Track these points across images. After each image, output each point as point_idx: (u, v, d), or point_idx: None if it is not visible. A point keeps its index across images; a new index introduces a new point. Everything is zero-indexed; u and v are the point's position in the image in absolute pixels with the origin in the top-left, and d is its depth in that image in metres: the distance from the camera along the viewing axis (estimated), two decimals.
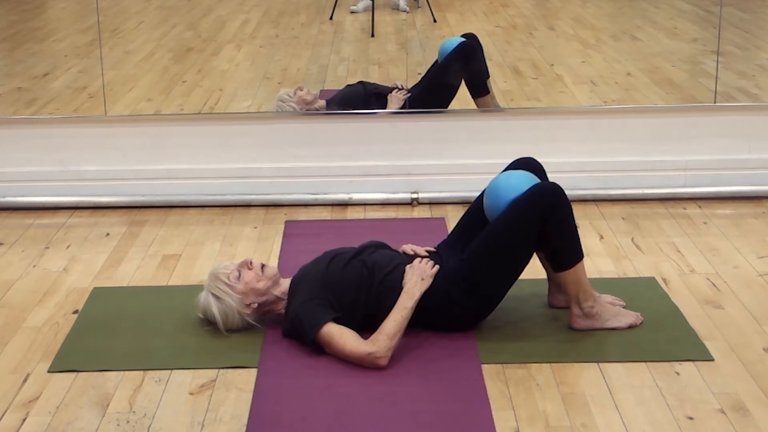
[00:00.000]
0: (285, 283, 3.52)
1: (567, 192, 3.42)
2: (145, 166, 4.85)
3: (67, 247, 4.37)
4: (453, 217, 4.40)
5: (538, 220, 3.34)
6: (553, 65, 6.00)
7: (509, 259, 3.40)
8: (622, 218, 4.61)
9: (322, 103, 5.18)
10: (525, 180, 3.46)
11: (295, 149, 4.87)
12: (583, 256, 3.45)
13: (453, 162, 4.86)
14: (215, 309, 3.45)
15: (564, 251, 3.42)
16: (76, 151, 4.86)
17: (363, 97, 5.19)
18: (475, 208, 3.63)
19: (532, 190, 3.40)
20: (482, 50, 5.32)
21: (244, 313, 3.46)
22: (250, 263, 3.49)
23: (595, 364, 3.29)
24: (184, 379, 3.24)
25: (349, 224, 4.61)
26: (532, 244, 3.39)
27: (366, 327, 3.35)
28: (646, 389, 3.14)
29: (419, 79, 5.32)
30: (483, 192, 3.59)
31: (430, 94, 5.14)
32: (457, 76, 5.17)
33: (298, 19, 6.63)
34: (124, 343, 3.47)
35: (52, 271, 4.12)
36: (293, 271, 3.58)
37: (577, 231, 3.44)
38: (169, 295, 3.86)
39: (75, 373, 3.28)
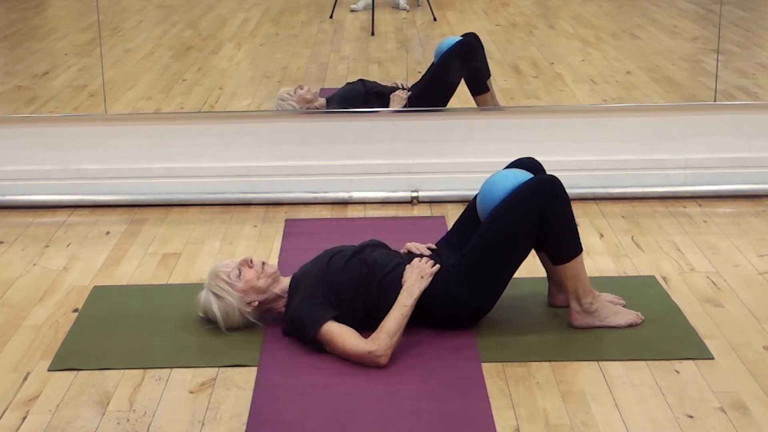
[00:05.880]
0: (285, 281, 3.53)
1: (567, 191, 3.42)
2: (145, 165, 4.86)
3: (68, 245, 4.37)
4: (453, 216, 4.40)
5: (536, 211, 3.35)
6: (553, 64, 6.00)
7: (508, 251, 3.40)
8: (622, 217, 4.61)
9: (322, 101, 5.18)
10: (520, 179, 3.46)
11: (295, 148, 4.87)
12: (582, 250, 3.45)
13: (453, 160, 4.86)
14: (216, 307, 3.45)
15: (563, 243, 3.42)
16: (76, 150, 4.86)
17: (363, 96, 5.19)
18: (474, 206, 3.64)
19: (531, 182, 3.41)
20: (483, 49, 5.32)
21: (245, 311, 3.46)
22: (251, 261, 3.49)
23: (595, 362, 3.29)
24: (184, 377, 3.24)
25: (349, 223, 4.61)
26: (531, 236, 3.39)
27: (366, 325, 3.35)
28: (646, 388, 3.14)
29: (419, 77, 5.32)
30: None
31: (429, 92, 5.14)
32: (456, 74, 5.17)
33: (298, 17, 6.63)
34: (125, 342, 3.47)
35: (53, 269, 4.12)
36: (293, 269, 3.58)
37: (575, 224, 3.45)
38: (169, 293, 3.86)
39: (75, 372, 3.28)
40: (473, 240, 3.43)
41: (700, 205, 4.72)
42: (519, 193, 3.38)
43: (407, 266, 3.45)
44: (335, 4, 6.40)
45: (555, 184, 3.40)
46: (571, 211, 3.44)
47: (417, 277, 3.41)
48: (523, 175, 3.49)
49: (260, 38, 6.40)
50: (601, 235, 4.39)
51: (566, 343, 3.43)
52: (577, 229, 3.45)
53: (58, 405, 3.09)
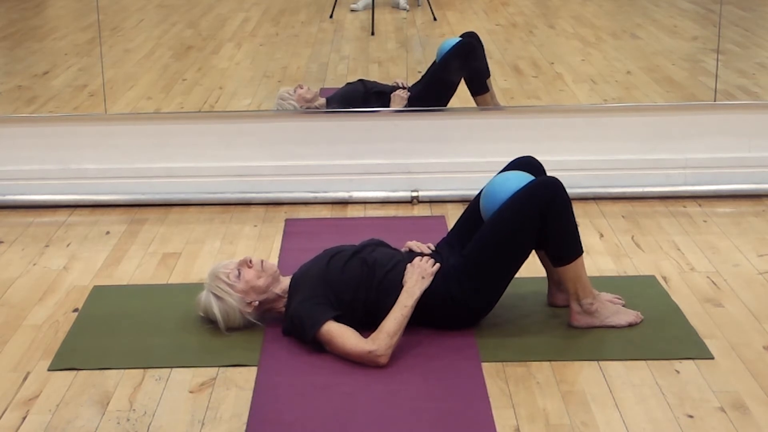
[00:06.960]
0: (285, 281, 3.53)
1: (567, 190, 3.42)
2: (145, 165, 4.86)
3: (68, 245, 4.37)
4: (453, 216, 4.40)
5: (537, 212, 3.35)
6: (553, 63, 6.00)
7: (509, 253, 3.40)
8: (622, 216, 4.61)
9: (322, 101, 5.17)
10: (522, 181, 3.46)
11: (295, 147, 4.87)
12: (582, 251, 3.45)
13: (453, 160, 4.86)
14: (216, 309, 3.45)
15: (563, 245, 3.42)
16: (76, 150, 4.86)
17: (363, 96, 5.19)
18: (474, 207, 3.64)
19: (532, 183, 3.41)
20: (483, 48, 5.32)
21: (246, 311, 3.46)
22: (250, 261, 3.49)
23: (595, 362, 3.29)
24: (184, 377, 3.24)
25: (349, 222, 4.61)
26: (531, 237, 3.39)
27: (366, 325, 3.35)
28: (646, 387, 3.14)
29: (419, 77, 5.32)
30: (481, 191, 3.59)
31: (429, 92, 5.14)
32: (456, 74, 5.17)
33: (299, 17, 6.63)
34: (124, 342, 3.48)
35: (53, 269, 4.12)
36: (293, 269, 3.58)
37: (576, 226, 3.45)
38: (169, 293, 3.86)
39: (75, 372, 3.28)
40: (474, 241, 3.43)
41: (700, 205, 4.72)
42: (520, 195, 3.39)
43: (408, 266, 3.45)
44: (335, 3, 6.41)
45: (556, 185, 3.40)
46: (572, 213, 3.44)
47: (418, 278, 3.40)
48: (525, 177, 3.50)
49: (260, 38, 6.40)
50: (601, 235, 4.39)
51: (566, 343, 3.43)
52: (577, 231, 3.45)
53: (58, 405, 3.09)
